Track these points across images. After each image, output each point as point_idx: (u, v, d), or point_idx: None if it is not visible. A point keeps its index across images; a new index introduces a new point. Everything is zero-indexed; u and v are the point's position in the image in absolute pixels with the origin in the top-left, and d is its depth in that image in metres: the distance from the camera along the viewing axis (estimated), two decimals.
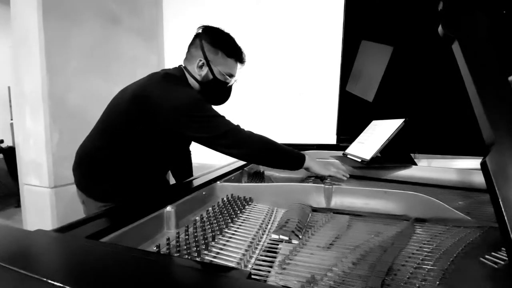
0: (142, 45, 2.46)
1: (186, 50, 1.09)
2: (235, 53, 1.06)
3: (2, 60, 4.14)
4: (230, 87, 1.12)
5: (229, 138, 0.92)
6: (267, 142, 0.97)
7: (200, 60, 1.03)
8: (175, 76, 1.02)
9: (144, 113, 0.94)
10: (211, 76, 1.04)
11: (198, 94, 1.00)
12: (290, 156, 1.00)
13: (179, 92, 0.95)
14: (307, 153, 1.04)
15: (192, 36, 1.08)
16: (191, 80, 1.06)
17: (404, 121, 1.01)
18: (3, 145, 3.62)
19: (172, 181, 1.39)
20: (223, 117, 0.95)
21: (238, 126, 0.95)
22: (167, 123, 0.94)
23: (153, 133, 0.97)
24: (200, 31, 1.06)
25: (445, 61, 1.31)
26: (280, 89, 2.32)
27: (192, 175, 1.42)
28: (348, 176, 1.01)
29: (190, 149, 1.39)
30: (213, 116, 0.94)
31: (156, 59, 2.58)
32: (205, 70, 1.04)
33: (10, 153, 3.32)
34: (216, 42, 1.03)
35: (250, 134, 0.95)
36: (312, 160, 1.01)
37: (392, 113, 1.17)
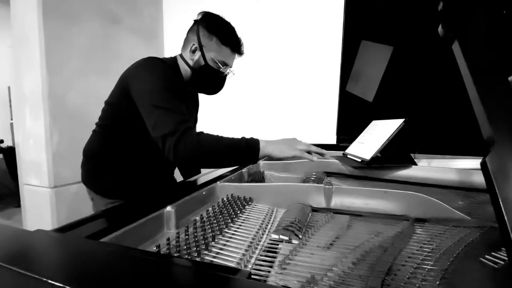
0: (142, 45, 2.46)
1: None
2: (231, 42, 1.02)
3: (2, 60, 4.14)
4: (224, 77, 1.08)
5: (180, 139, 0.82)
6: (217, 140, 0.86)
7: (193, 44, 1.00)
8: (160, 60, 0.98)
9: (128, 99, 0.92)
10: (203, 62, 1.00)
11: (172, 84, 0.92)
12: (244, 150, 0.87)
13: (155, 74, 0.91)
14: (266, 140, 0.91)
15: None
16: (183, 67, 1.04)
17: (404, 121, 1.01)
18: (3, 145, 3.62)
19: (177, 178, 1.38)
20: (182, 115, 0.86)
21: (192, 127, 0.87)
22: (138, 106, 0.89)
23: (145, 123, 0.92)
24: (199, 17, 1.05)
25: (445, 61, 1.32)
26: (280, 89, 2.32)
27: (199, 172, 1.41)
28: (324, 154, 0.92)
29: None
30: (172, 110, 0.85)
31: None
32: (198, 55, 1.00)
33: (10, 153, 3.32)
34: (212, 28, 1.01)
35: (203, 136, 0.86)
36: (271, 144, 0.89)
37: (392, 113, 1.17)
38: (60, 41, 1.82)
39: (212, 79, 1.05)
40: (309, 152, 0.92)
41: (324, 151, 0.94)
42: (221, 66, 1.02)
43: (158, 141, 0.84)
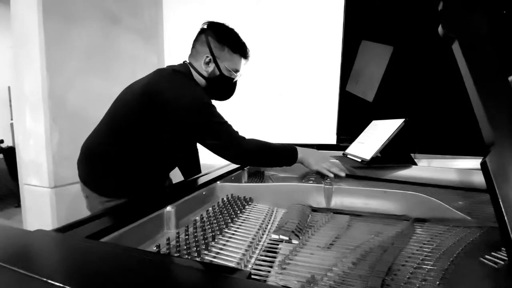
0: (142, 45, 2.46)
1: (191, 46, 1.08)
2: (241, 49, 1.07)
3: (2, 60, 4.14)
4: (235, 82, 1.13)
5: (234, 148, 0.95)
6: (263, 147, 1.00)
7: (207, 57, 1.03)
8: (183, 73, 1.02)
9: (155, 109, 0.94)
10: (217, 72, 1.05)
11: (207, 96, 1.01)
12: (284, 156, 1.02)
13: (191, 91, 0.97)
14: (302, 149, 1.05)
15: (195, 33, 1.08)
16: (196, 77, 1.06)
17: (404, 121, 1.01)
18: (3, 145, 3.62)
19: (175, 179, 1.38)
20: (229, 125, 0.98)
21: (239, 135, 0.98)
22: (177, 120, 0.95)
23: (161, 129, 0.97)
24: (205, 26, 1.06)
25: (445, 61, 1.32)
26: (280, 89, 2.32)
27: (200, 172, 1.42)
28: (344, 174, 1.01)
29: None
30: (222, 124, 0.96)
31: (156, 59, 2.57)
32: (212, 66, 1.04)
33: (10, 153, 3.32)
34: (222, 38, 1.04)
35: (250, 143, 0.98)
36: (305, 154, 1.03)
37: (392, 113, 1.17)
38: (60, 41, 1.82)
39: (226, 87, 1.11)
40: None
41: (342, 173, 1.01)
42: (234, 73, 1.07)
43: (219, 151, 0.96)
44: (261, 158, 1.01)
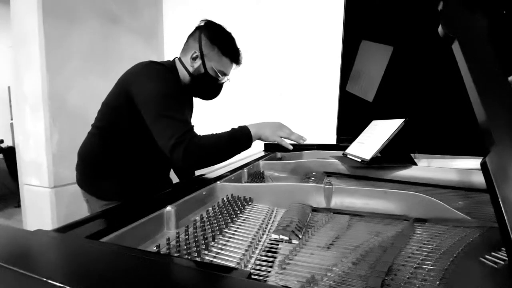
0: (142, 45, 2.46)
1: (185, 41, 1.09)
2: (231, 53, 1.06)
3: (2, 60, 4.14)
4: (221, 84, 1.11)
5: (186, 143, 0.86)
6: (217, 138, 0.91)
7: (195, 52, 1.02)
8: (161, 65, 1.00)
9: (130, 105, 0.93)
10: (202, 70, 1.04)
11: (175, 89, 0.96)
12: (239, 139, 0.94)
13: (156, 82, 0.93)
14: (254, 124, 0.98)
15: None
16: (182, 71, 1.06)
17: (404, 121, 1.01)
18: (3, 145, 3.62)
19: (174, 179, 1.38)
20: (187, 122, 0.91)
21: (196, 138, 0.89)
22: (142, 113, 0.91)
23: (142, 126, 0.94)
24: (202, 24, 1.06)
25: (445, 61, 1.32)
26: (280, 89, 2.32)
27: (194, 174, 1.42)
28: (305, 139, 0.98)
29: None
30: (176, 119, 0.88)
31: (156, 58, 2.57)
32: (198, 63, 1.03)
33: (10, 153, 3.32)
34: (215, 38, 1.03)
35: (202, 138, 0.90)
36: (259, 128, 0.96)
37: (392, 113, 1.17)
38: (60, 41, 1.82)
39: (210, 87, 1.09)
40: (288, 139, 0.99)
41: (304, 137, 0.99)
42: (220, 75, 1.06)
43: (165, 149, 0.88)
44: (218, 151, 0.91)
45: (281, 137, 0.98)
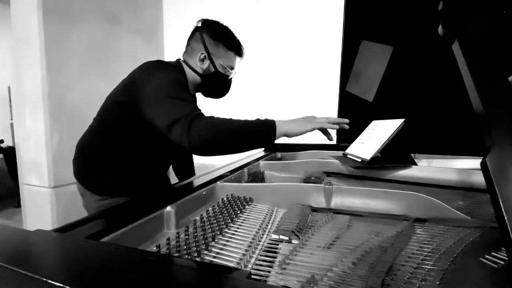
0: (142, 45, 2.46)
1: (186, 44, 1.09)
2: (235, 46, 1.07)
3: (2, 60, 4.14)
4: (230, 79, 1.12)
5: (194, 123, 0.77)
6: (233, 120, 0.82)
7: (202, 53, 1.03)
8: (168, 64, 1.01)
9: (135, 101, 0.92)
10: (212, 69, 1.05)
11: (181, 79, 0.93)
12: (260, 129, 0.83)
13: (167, 71, 0.92)
14: (281, 120, 0.87)
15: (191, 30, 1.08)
16: (190, 74, 1.06)
17: (404, 121, 1.01)
18: (3, 145, 3.62)
19: (173, 179, 1.38)
20: (194, 104, 0.86)
21: (203, 115, 0.82)
22: (146, 104, 0.87)
23: (148, 124, 0.91)
24: (199, 24, 1.06)
25: (445, 61, 1.31)
26: (279, 89, 2.32)
27: (193, 172, 1.42)
28: (346, 122, 0.91)
29: None
30: (183, 99, 0.83)
31: (156, 58, 2.58)
32: (207, 63, 1.04)
33: (10, 153, 3.33)
34: (217, 35, 1.04)
35: (214, 118, 0.82)
36: (287, 123, 0.85)
37: (392, 113, 1.16)
38: (60, 41, 1.82)
39: (221, 84, 1.10)
40: (325, 129, 0.93)
41: (345, 120, 0.92)
42: (229, 70, 1.07)
43: (170, 128, 0.79)
44: (229, 132, 0.79)
45: (314, 128, 0.88)
